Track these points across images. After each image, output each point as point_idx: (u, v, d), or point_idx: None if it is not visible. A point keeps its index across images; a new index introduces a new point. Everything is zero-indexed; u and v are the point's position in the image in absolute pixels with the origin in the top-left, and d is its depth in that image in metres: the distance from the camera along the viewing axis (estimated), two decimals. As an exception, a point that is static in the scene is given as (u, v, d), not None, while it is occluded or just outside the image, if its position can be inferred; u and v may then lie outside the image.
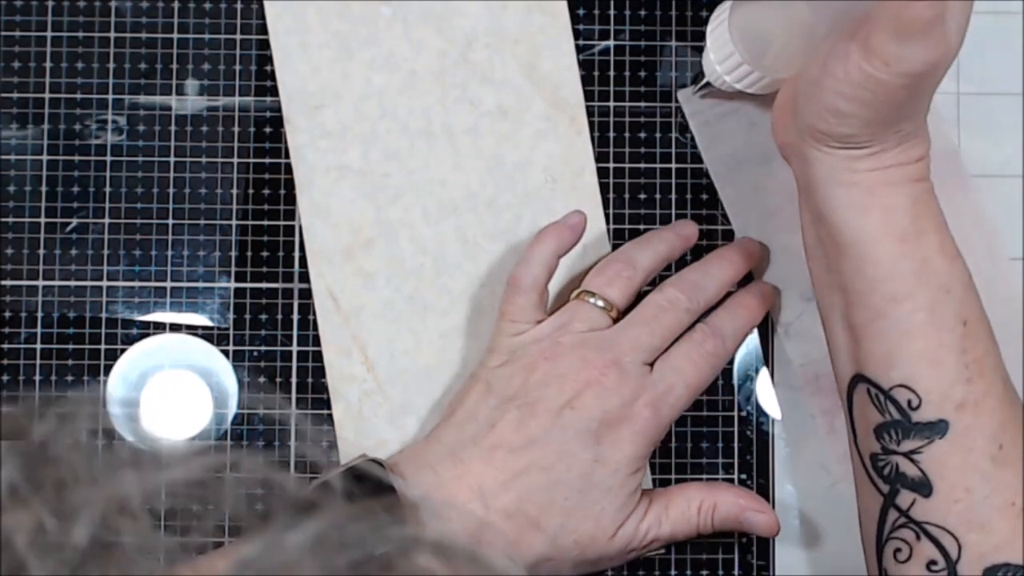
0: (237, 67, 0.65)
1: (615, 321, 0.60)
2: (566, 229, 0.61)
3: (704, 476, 0.65)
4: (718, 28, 0.59)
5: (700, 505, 0.60)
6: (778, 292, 0.65)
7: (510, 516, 0.57)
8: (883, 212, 0.53)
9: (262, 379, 0.64)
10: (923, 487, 0.54)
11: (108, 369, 0.64)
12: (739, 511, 0.60)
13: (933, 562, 0.53)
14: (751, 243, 0.64)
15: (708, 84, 0.62)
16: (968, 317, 0.54)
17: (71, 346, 0.64)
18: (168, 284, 0.64)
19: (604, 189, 0.65)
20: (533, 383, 0.58)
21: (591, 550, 0.58)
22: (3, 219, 0.64)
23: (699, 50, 0.65)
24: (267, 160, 0.65)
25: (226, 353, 0.64)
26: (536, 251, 0.60)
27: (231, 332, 0.64)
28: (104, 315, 0.64)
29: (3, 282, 0.64)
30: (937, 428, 0.53)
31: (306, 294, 0.64)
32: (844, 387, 0.56)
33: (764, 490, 0.64)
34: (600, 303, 0.60)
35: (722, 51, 0.59)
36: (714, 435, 0.65)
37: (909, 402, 0.54)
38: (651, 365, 0.60)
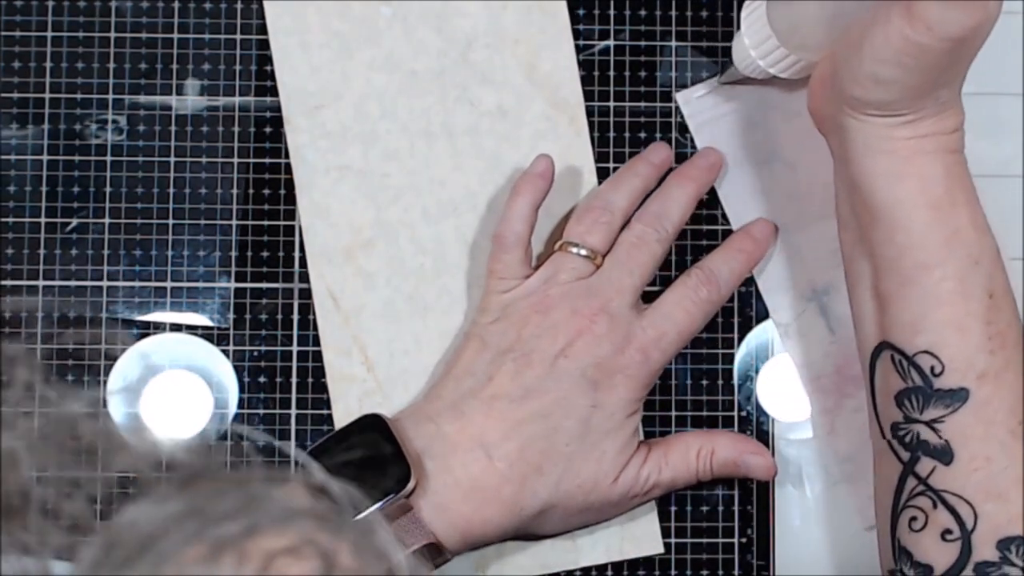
0: (237, 67, 0.65)
1: (599, 266, 0.61)
2: (537, 178, 0.62)
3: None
4: (754, 12, 0.59)
5: (699, 451, 0.62)
6: (774, 231, 0.65)
7: (513, 464, 0.58)
8: (918, 180, 0.54)
9: (262, 379, 0.64)
10: (944, 455, 0.54)
11: (108, 369, 0.64)
12: (737, 455, 0.62)
13: (948, 531, 0.54)
14: (712, 153, 0.64)
15: (733, 72, 0.62)
16: (995, 290, 0.55)
17: (71, 346, 0.64)
18: (168, 284, 0.64)
19: (604, 189, 0.65)
20: (526, 336, 0.60)
21: (594, 495, 0.60)
22: (3, 219, 0.64)
23: (699, 50, 0.66)
24: (267, 160, 0.65)
25: (226, 353, 0.64)
26: (514, 207, 0.61)
27: (231, 332, 0.64)
28: (104, 315, 0.64)
29: (3, 282, 0.64)
30: (958, 396, 0.54)
31: (306, 294, 0.64)
32: (867, 356, 0.57)
33: (764, 490, 0.64)
34: (583, 252, 0.61)
35: (758, 35, 0.59)
36: (714, 435, 0.65)
37: (932, 368, 0.54)
38: (641, 305, 0.61)
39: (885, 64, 0.51)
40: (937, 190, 0.54)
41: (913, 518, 0.55)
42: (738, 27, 0.60)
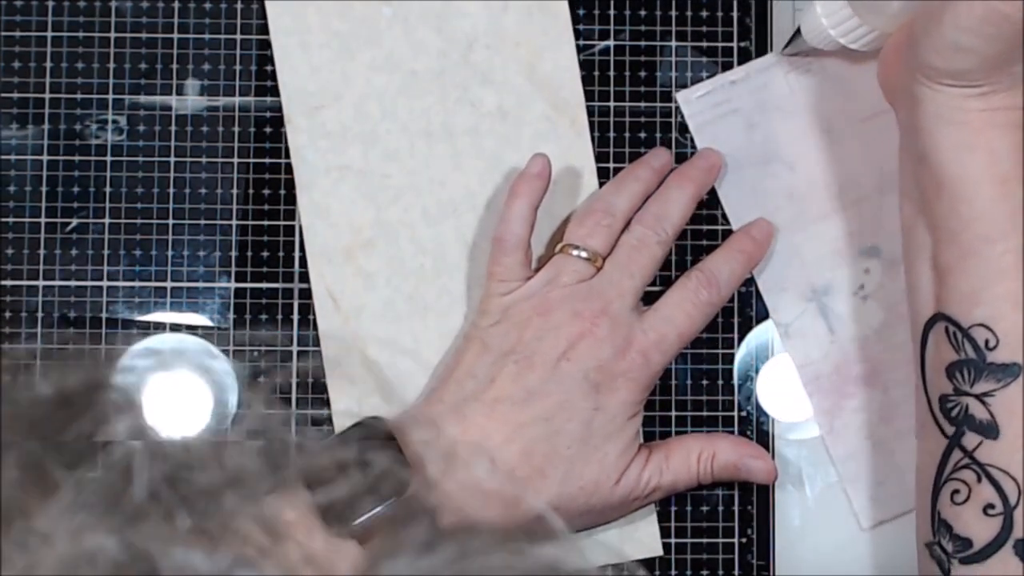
0: (237, 67, 0.65)
1: (600, 269, 0.61)
2: (534, 179, 0.62)
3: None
4: None
5: (700, 454, 0.62)
6: (774, 231, 0.65)
7: (515, 467, 0.59)
8: (988, 153, 0.54)
9: (262, 379, 0.64)
10: (991, 430, 0.54)
11: (108, 369, 0.64)
12: (738, 458, 0.62)
13: (991, 505, 0.54)
14: (711, 154, 0.65)
15: (799, 44, 0.62)
16: None
17: (71, 346, 0.64)
18: (168, 284, 0.64)
19: (604, 189, 0.65)
20: (528, 338, 0.60)
21: (596, 497, 0.60)
22: (3, 219, 0.64)
23: (699, 50, 0.66)
24: (267, 160, 0.65)
25: (226, 353, 0.64)
26: (513, 209, 0.61)
27: (231, 332, 0.64)
28: (104, 315, 0.64)
29: (3, 282, 0.64)
30: (1010, 371, 0.54)
31: (306, 294, 0.64)
32: (920, 327, 0.57)
33: (764, 490, 0.64)
34: (584, 254, 0.61)
35: (832, 6, 0.59)
36: (714, 435, 0.65)
37: (987, 342, 0.54)
38: (641, 307, 0.61)
39: (966, 33, 0.51)
40: (1005, 164, 0.54)
41: (956, 491, 0.55)
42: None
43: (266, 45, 0.65)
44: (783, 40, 0.65)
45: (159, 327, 0.64)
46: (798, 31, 0.62)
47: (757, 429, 0.65)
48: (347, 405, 0.64)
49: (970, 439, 0.54)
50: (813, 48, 0.62)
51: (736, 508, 0.64)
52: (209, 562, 0.30)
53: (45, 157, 0.64)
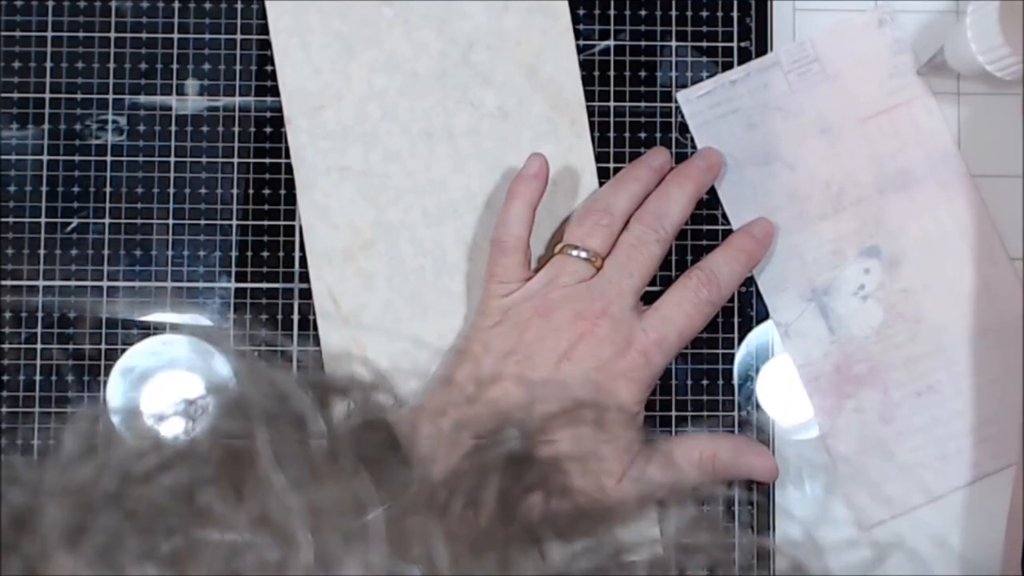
0: (237, 67, 0.65)
1: (600, 269, 0.61)
2: (531, 179, 0.62)
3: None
4: (983, 13, 0.59)
5: (701, 453, 0.62)
6: (774, 231, 0.65)
7: None
8: None
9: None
10: None
11: (108, 369, 0.63)
12: (739, 456, 0.62)
13: None
14: (711, 154, 0.65)
15: (939, 65, 0.62)
16: None
17: (71, 346, 0.64)
18: (168, 284, 0.64)
19: (604, 189, 0.65)
20: (529, 339, 0.60)
21: (598, 496, 0.59)
22: (3, 219, 0.64)
23: (699, 50, 0.66)
24: (267, 160, 0.65)
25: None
26: (512, 210, 0.62)
27: (231, 332, 0.64)
28: (104, 315, 0.64)
29: (3, 282, 0.64)
30: None
31: (306, 294, 0.64)
32: None
33: (764, 490, 0.64)
34: (583, 254, 0.61)
35: (986, 38, 0.59)
36: (714, 435, 0.65)
37: None
38: (641, 306, 0.61)
39: None
40: None
41: None
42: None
43: (266, 45, 0.65)
44: (783, 40, 0.65)
45: (159, 327, 0.64)
46: (941, 51, 0.62)
47: (757, 429, 0.65)
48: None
49: None
50: (953, 70, 0.62)
51: (736, 508, 0.64)
52: None
53: (45, 157, 0.64)
